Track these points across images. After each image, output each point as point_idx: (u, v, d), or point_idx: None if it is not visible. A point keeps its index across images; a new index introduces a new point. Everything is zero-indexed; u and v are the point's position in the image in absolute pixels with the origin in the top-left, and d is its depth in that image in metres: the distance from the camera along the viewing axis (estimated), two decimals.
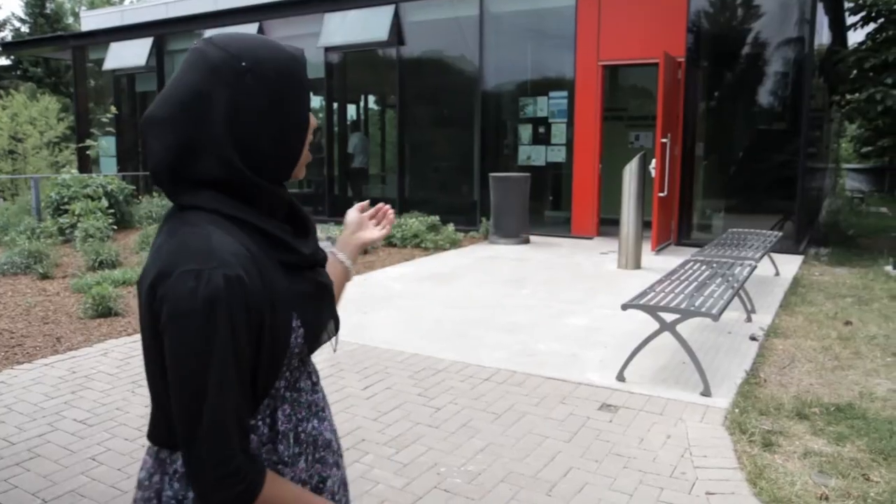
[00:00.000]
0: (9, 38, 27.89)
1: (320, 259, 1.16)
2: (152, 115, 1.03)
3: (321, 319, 1.13)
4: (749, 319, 5.37)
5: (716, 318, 3.81)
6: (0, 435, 3.38)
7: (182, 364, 0.94)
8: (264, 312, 0.99)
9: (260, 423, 1.08)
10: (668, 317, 3.96)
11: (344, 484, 1.28)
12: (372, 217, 1.53)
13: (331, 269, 1.34)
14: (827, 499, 2.74)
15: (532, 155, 10.30)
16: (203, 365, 0.93)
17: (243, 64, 1.03)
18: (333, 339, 1.20)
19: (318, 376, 1.24)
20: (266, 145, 1.04)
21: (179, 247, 0.97)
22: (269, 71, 1.04)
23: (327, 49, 11.66)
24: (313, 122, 1.13)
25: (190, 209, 1.03)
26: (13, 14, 35.55)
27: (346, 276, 1.43)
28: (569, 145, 9.89)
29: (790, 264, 7.67)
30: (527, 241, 9.37)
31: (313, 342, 1.11)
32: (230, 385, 0.95)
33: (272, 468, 1.08)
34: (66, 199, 9.89)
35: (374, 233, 1.50)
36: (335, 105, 12.47)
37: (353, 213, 1.50)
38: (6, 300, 6.14)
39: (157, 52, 14.06)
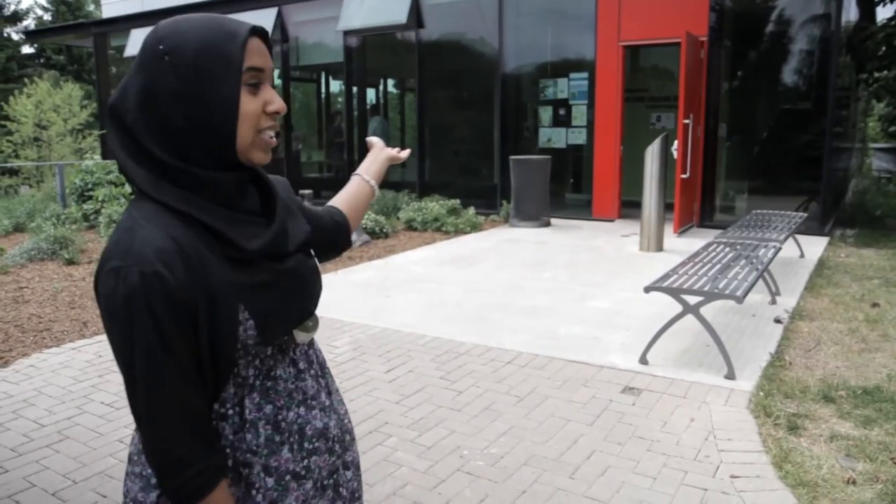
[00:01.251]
0: (31, 27, 28.15)
1: (278, 250, 1.09)
2: (109, 103, 1.07)
3: (281, 309, 1.09)
4: (773, 302, 5.31)
5: (740, 300, 3.76)
6: (31, 417, 3.45)
7: (116, 358, 0.99)
8: (197, 306, 0.98)
9: (230, 411, 1.09)
10: (692, 299, 3.92)
11: (349, 468, 1.28)
12: None
13: (357, 189, 1.53)
14: (854, 483, 2.72)
15: (553, 137, 10.22)
16: (130, 359, 0.96)
17: (161, 47, 1.02)
18: (309, 324, 1.16)
19: (310, 363, 1.21)
20: (183, 127, 1.01)
21: (111, 242, 1.00)
22: (188, 51, 1.01)
23: (346, 33, 11.62)
24: (254, 105, 1.04)
25: (141, 196, 1.03)
26: (35, 2, 35.82)
27: (371, 195, 1.55)
28: (590, 127, 9.80)
29: (815, 246, 7.56)
30: (548, 224, 9.33)
31: (271, 333, 1.07)
32: (160, 378, 0.97)
33: (243, 456, 1.10)
34: (90, 186, 10.01)
35: (398, 152, 1.64)
36: (354, 89, 12.44)
37: (376, 137, 1.65)
38: (34, 285, 6.25)
39: None
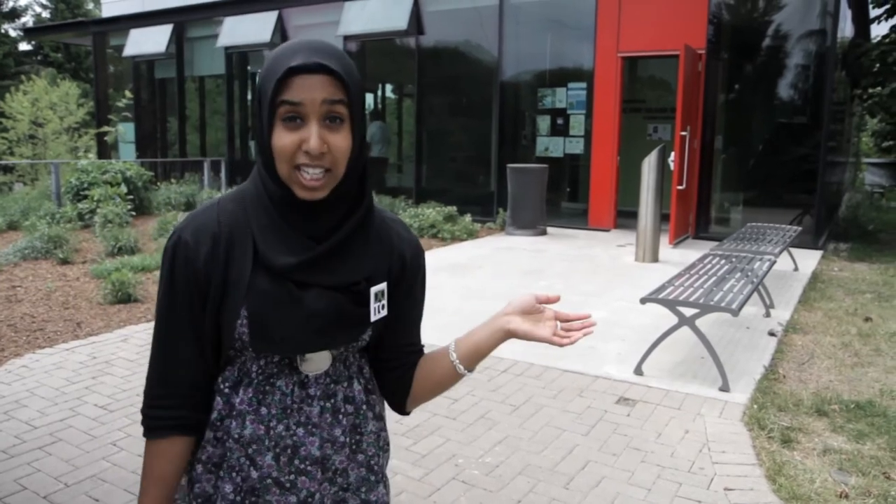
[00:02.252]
0: (30, 24, 28.09)
1: (304, 276, 1.09)
2: None
3: (279, 329, 1.09)
4: (768, 315, 5.34)
5: (735, 313, 3.78)
6: (23, 419, 3.43)
7: None
8: (210, 282, 1.10)
9: (226, 390, 1.16)
10: (688, 311, 3.94)
11: None
12: (542, 312, 1.25)
13: (440, 357, 1.25)
14: (847, 497, 2.73)
15: (550, 146, 10.26)
16: (158, 293, 1.15)
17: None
18: (313, 357, 1.15)
19: (328, 396, 1.17)
20: (257, 144, 1.12)
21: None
22: (259, 76, 1.10)
23: (346, 38, 11.64)
24: (288, 140, 1.04)
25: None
26: (34, 0, 35.76)
27: (453, 376, 1.24)
28: (587, 137, 9.84)
29: (809, 259, 7.60)
30: (544, 233, 9.35)
31: (260, 344, 1.10)
32: (162, 319, 1.14)
33: (226, 439, 1.15)
34: (85, 185, 9.97)
35: (538, 329, 1.23)
36: None
37: (525, 297, 1.25)
38: (27, 285, 6.22)
39: (177, 39, 14.12)
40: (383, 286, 1.18)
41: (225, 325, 1.10)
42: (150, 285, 6.12)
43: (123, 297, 5.57)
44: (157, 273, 6.43)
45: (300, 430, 1.15)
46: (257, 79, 1.10)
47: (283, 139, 1.04)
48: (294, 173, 1.06)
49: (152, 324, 4.53)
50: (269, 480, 1.15)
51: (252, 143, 13.96)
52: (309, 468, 1.16)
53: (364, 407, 1.23)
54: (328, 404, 1.18)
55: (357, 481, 1.22)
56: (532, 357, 4.35)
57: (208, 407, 1.16)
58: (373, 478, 1.25)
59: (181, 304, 1.12)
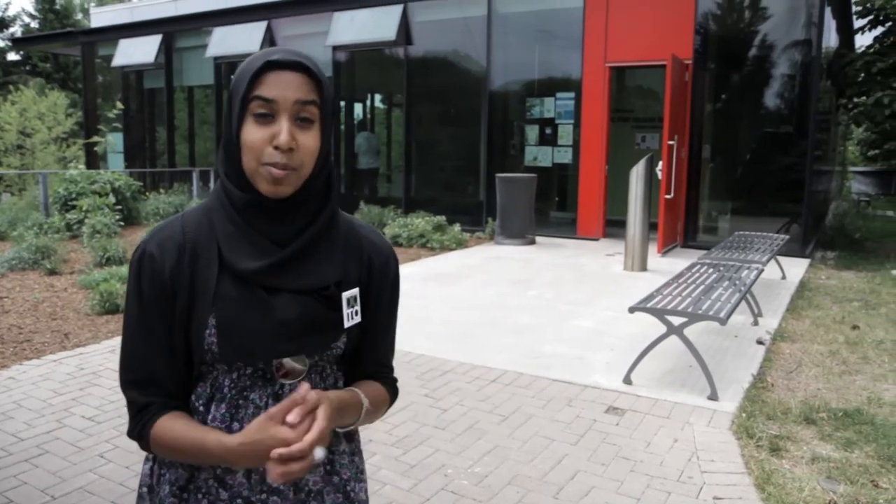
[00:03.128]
0: (18, 34, 27.97)
1: (272, 280, 1.09)
2: None
3: (247, 332, 1.08)
4: (756, 323, 5.37)
5: (723, 321, 3.80)
6: (9, 431, 3.40)
7: None
8: (176, 292, 1.09)
9: (201, 408, 1.14)
10: (676, 320, 3.96)
11: None
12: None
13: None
14: None
15: (539, 156, 10.30)
16: (125, 306, 1.15)
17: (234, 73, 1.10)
18: (275, 370, 1.12)
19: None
20: (221, 149, 1.13)
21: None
22: (233, 78, 1.12)
23: (335, 48, 11.67)
24: (258, 136, 1.05)
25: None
26: (23, 10, 35.71)
27: (358, 407, 1.16)
28: (575, 146, 9.89)
29: (797, 268, 7.66)
30: (533, 242, 9.37)
31: (227, 351, 1.08)
32: (129, 327, 1.12)
33: (190, 465, 1.14)
34: (73, 195, 9.92)
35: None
36: (342, 104, 12.48)
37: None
38: (14, 295, 6.17)
39: (166, 49, 14.10)
40: (355, 292, 1.17)
41: (194, 337, 1.09)
42: None
43: (111, 307, 5.54)
44: None
45: None
46: (231, 78, 1.12)
47: (252, 134, 1.06)
48: (261, 168, 1.06)
49: None
50: (239, 500, 1.12)
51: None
52: (281, 487, 1.13)
53: (343, 443, 1.22)
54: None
55: None
56: (521, 367, 4.35)
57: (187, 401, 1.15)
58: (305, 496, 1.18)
59: (151, 316, 1.10)
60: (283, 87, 1.05)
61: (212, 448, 1.04)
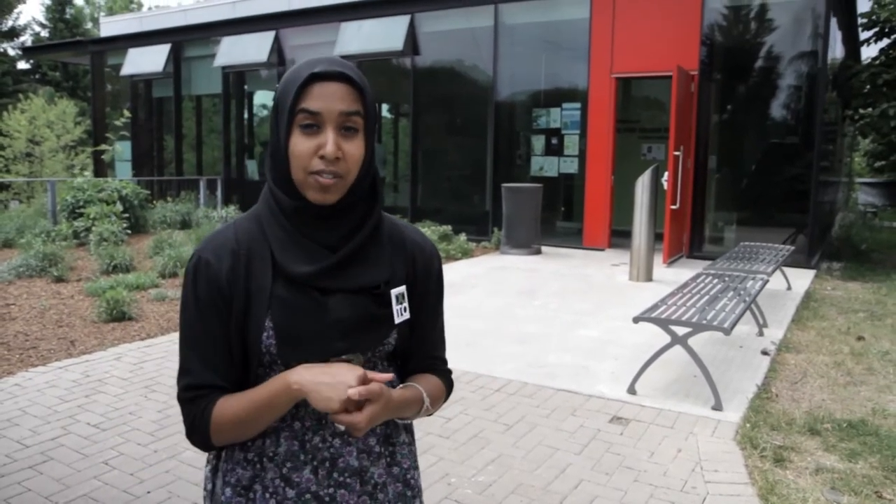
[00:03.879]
0: (29, 43, 28.23)
1: (325, 282, 1.13)
2: None
3: (303, 336, 1.12)
4: (761, 333, 5.36)
5: (727, 332, 3.80)
6: (14, 438, 3.42)
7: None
8: (233, 296, 1.13)
9: None
10: (680, 330, 3.95)
11: None
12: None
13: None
14: None
15: (545, 166, 10.32)
16: (181, 314, 1.18)
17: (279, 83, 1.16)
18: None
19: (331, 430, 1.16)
20: (269, 158, 1.16)
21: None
22: (278, 89, 1.15)
23: (342, 58, 11.71)
24: (305, 146, 1.09)
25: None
26: (33, 19, 36.04)
27: (419, 404, 1.22)
28: (581, 157, 9.91)
29: (802, 278, 7.64)
30: (538, 252, 9.38)
31: (286, 352, 1.12)
32: (187, 334, 1.15)
33: (259, 460, 1.16)
34: (81, 203, 9.99)
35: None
36: None
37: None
38: (21, 302, 6.21)
39: (175, 58, 14.22)
40: (402, 289, 1.21)
41: (251, 340, 1.13)
42: (144, 304, 6.12)
43: (118, 315, 5.57)
44: (152, 291, 6.47)
45: (336, 441, 1.17)
46: (276, 90, 1.15)
47: (300, 145, 1.10)
48: (309, 178, 1.10)
49: (146, 342, 4.53)
50: (307, 496, 1.15)
51: (249, 163, 14.00)
52: (348, 480, 1.17)
53: (397, 439, 1.26)
54: (331, 441, 1.18)
55: (395, 497, 1.23)
56: (525, 376, 4.35)
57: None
58: (409, 493, 1.25)
59: (209, 321, 1.13)
60: (328, 99, 1.08)
61: (278, 386, 1.08)
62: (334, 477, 1.16)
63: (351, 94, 1.10)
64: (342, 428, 1.10)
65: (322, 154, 1.08)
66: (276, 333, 1.12)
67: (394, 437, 1.24)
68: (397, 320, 1.19)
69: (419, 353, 1.28)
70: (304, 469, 1.15)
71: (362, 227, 1.16)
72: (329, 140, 1.08)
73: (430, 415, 1.25)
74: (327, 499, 1.16)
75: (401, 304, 1.20)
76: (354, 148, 1.11)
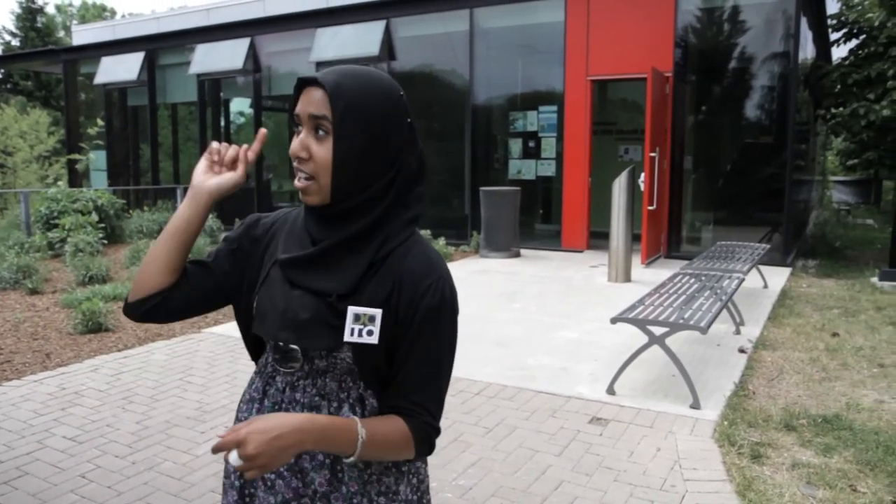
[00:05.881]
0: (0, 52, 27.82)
1: (290, 274, 1.21)
2: None
3: (266, 312, 1.23)
4: (738, 332, 5.42)
5: (704, 331, 3.84)
6: None
7: None
8: (250, 253, 1.29)
9: (254, 375, 1.35)
10: (657, 330, 3.99)
11: None
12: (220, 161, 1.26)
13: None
14: None
15: (522, 169, 10.37)
16: None
17: None
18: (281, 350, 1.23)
19: (309, 400, 1.20)
20: None
21: None
22: None
23: (318, 64, 11.71)
24: (292, 145, 1.19)
25: None
26: (3, 28, 35.53)
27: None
28: (559, 159, 9.96)
29: (778, 276, 7.74)
30: (517, 255, 9.41)
31: (255, 323, 1.26)
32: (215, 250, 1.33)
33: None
34: (55, 214, 9.86)
35: (223, 178, 1.25)
36: None
37: (200, 164, 1.27)
38: None
39: (149, 66, 14.08)
40: (373, 312, 1.15)
41: (247, 298, 1.28)
42: (120, 314, 6.05)
43: (94, 326, 5.50)
44: None
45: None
46: None
47: (292, 144, 1.20)
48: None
49: (123, 353, 4.47)
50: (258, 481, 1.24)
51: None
52: (285, 473, 1.20)
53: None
54: (294, 401, 1.23)
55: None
56: (505, 379, 4.37)
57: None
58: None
59: (227, 246, 1.31)
60: (304, 104, 1.16)
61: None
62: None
63: (323, 100, 1.13)
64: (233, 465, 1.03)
65: (290, 153, 1.17)
66: (256, 305, 1.25)
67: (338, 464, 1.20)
68: (348, 338, 1.14)
69: (392, 389, 1.19)
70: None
71: (340, 234, 1.18)
72: (296, 140, 1.16)
73: (388, 459, 1.18)
74: (269, 483, 1.23)
75: (364, 325, 1.14)
76: (322, 150, 1.14)
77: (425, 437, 1.19)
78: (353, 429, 1.09)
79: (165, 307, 1.25)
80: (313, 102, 1.15)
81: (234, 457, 1.00)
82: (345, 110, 1.13)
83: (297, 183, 1.18)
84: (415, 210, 1.23)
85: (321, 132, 1.15)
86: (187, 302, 1.27)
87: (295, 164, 1.17)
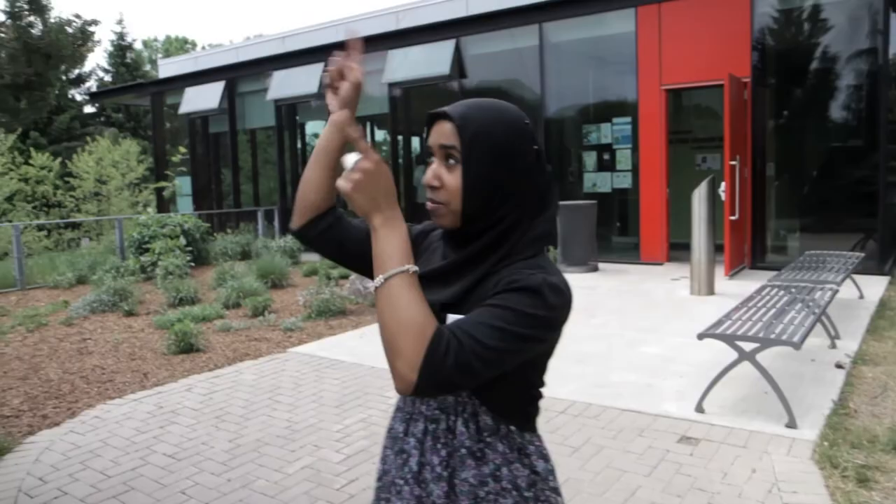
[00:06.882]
0: (94, 88, 29.61)
1: (427, 286, 1.22)
2: None
3: None
4: (833, 346, 5.17)
5: (797, 346, 3.69)
6: (97, 468, 3.56)
7: None
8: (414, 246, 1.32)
9: None
10: (747, 346, 3.85)
11: None
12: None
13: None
14: None
15: (598, 182, 10.24)
16: None
17: None
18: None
19: (431, 413, 1.26)
20: None
21: None
22: None
23: (391, 85, 11.94)
24: (424, 175, 1.27)
25: None
26: (97, 65, 37.78)
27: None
28: (635, 171, 9.80)
29: (875, 286, 7.34)
30: (595, 269, 9.28)
31: None
32: None
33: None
34: (146, 238, 10.38)
35: (342, 88, 1.33)
36: (400, 138, 12.72)
37: (328, 95, 1.35)
38: (96, 337, 6.47)
39: (229, 94, 14.69)
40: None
41: None
42: (210, 335, 6.29)
43: (186, 347, 5.75)
44: (217, 322, 6.65)
45: (411, 440, 1.26)
46: None
47: (425, 173, 1.27)
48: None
49: (214, 372, 4.65)
50: (387, 478, 1.30)
51: None
52: (410, 481, 1.24)
53: (463, 450, 1.22)
54: (431, 427, 1.25)
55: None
56: (589, 397, 4.30)
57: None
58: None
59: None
60: (435, 136, 1.25)
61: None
62: (404, 471, 1.26)
63: (452, 131, 1.21)
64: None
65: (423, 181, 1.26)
66: None
67: (458, 469, 1.21)
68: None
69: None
70: (388, 452, 1.31)
71: (462, 254, 1.25)
72: (429, 169, 1.25)
73: (392, 320, 1.09)
74: (396, 490, 1.26)
75: None
76: (452, 178, 1.22)
77: (443, 349, 1.06)
78: (405, 259, 1.13)
79: (331, 235, 1.39)
80: (443, 134, 1.22)
81: (353, 157, 1.16)
82: (472, 139, 1.20)
83: (428, 205, 1.25)
84: (541, 229, 1.26)
85: (451, 161, 1.22)
86: (346, 239, 1.39)
87: (427, 193, 1.25)
